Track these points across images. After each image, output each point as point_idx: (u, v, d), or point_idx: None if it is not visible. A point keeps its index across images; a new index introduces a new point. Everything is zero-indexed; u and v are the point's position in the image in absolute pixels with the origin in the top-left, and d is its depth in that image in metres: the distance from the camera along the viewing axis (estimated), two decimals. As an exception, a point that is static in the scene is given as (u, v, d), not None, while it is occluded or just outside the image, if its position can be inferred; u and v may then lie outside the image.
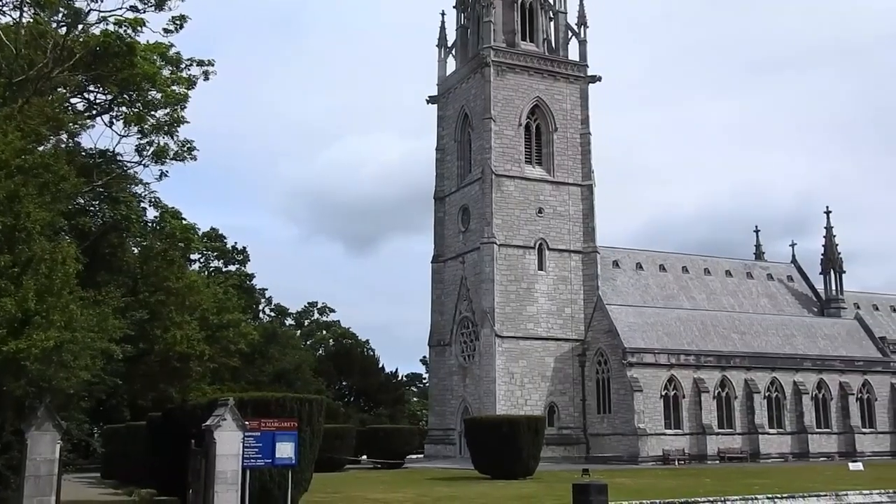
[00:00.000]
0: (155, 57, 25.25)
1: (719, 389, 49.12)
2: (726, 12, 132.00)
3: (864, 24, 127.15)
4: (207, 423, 16.72)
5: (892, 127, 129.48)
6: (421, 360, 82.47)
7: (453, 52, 56.54)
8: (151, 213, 31.98)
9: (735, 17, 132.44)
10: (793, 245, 63.76)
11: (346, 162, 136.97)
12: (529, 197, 50.59)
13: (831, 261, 59.78)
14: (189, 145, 26.01)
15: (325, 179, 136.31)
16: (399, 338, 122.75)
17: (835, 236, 60.53)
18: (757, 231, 64.47)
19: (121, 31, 23.51)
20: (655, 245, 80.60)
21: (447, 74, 56.11)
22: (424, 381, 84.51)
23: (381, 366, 77.40)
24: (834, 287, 59.66)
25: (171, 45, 25.50)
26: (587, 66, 53.59)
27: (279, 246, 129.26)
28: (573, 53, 54.06)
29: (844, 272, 60.05)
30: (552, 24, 55.02)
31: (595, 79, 53.58)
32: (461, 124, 53.68)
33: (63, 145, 24.25)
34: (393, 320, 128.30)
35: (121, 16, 23.76)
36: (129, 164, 26.45)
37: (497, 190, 49.56)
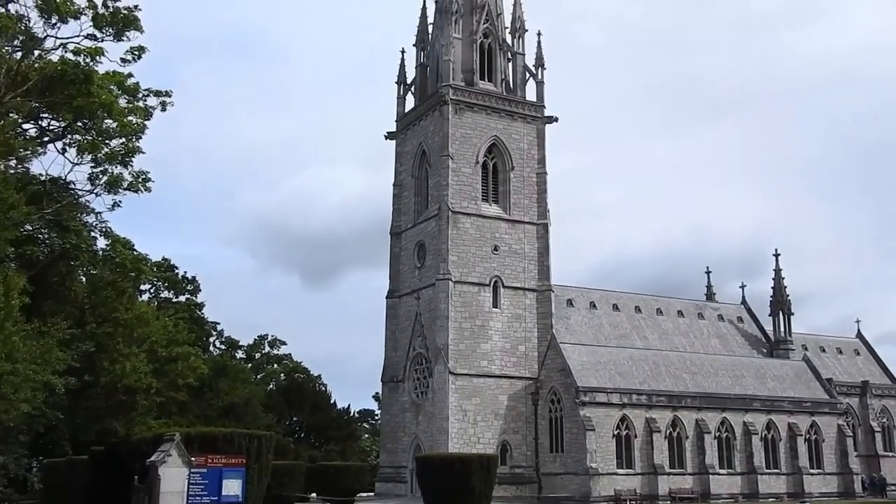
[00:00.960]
0: (112, 86, 25.04)
1: (671, 429, 49.38)
2: (675, 54, 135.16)
3: (805, 67, 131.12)
4: (152, 458, 16.33)
5: (838, 170, 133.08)
6: (373, 397, 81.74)
7: (412, 89, 56.89)
8: (102, 242, 31.47)
9: (683, 57, 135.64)
10: (742, 287, 64.88)
11: (307, 194, 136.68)
12: (485, 234, 50.77)
13: (780, 302, 60.84)
14: (144, 176, 25.72)
15: (284, 211, 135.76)
16: (352, 373, 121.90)
17: (783, 278, 61.69)
18: (708, 272, 65.55)
19: (79, 59, 23.31)
20: (610, 284, 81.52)
21: (406, 111, 56.40)
22: (376, 418, 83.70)
23: (332, 401, 76.58)
24: (782, 328, 60.65)
25: (130, 75, 25.28)
26: (544, 106, 54.27)
27: (235, 277, 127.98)
28: (531, 94, 54.75)
29: (793, 314, 61.14)
30: (510, 64, 55.71)
31: (552, 119, 54.25)
32: (419, 161, 53.85)
33: (12, 171, 23.79)
34: (346, 355, 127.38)
35: (78, 43, 23.55)
36: (80, 193, 26.04)
37: (453, 227, 49.66)
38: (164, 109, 25.60)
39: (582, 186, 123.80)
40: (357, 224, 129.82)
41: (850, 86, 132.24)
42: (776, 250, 62.41)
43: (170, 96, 25.39)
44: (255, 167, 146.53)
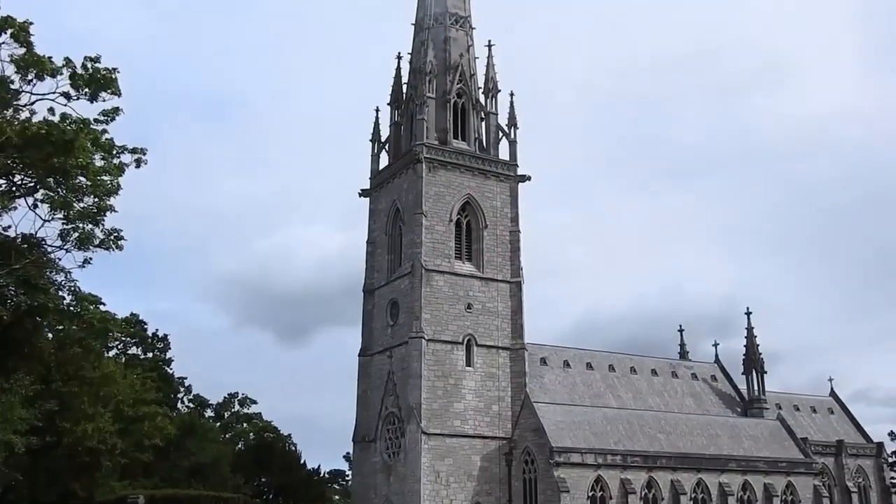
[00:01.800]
0: (87, 143, 24.86)
1: (646, 491, 48.87)
2: (647, 117, 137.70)
3: (774, 132, 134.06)
4: (118, 526, 15.74)
5: (806, 232, 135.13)
6: (344, 457, 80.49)
7: (387, 147, 57.23)
8: (70, 299, 30.85)
9: (655, 120, 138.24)
10: (716, 345, 65.08)
11: (282, 251, 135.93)
12: (459, 292, 50.63)
13: (753, 361, 61.02)
14: (116, 234, 25.34)
15: (259, 268, 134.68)
16: (323, 432, 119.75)
17: (756, 337, 61.94)
18: (681, 330, 65.73)
19: (65, 125, 23.19)
20: (584, 342, 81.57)
21: (380, 169, 56.62)
22: (347, 479, 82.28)
23: (302, 461, 75.10)
24: (756, 387, 60.71)
25: (104, 132, 25.11)
26: (517, 165, 54.75)
27: (207, 334, 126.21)
28: (504, 153, 55.23)
29: (766, 372, 61.28)
30: (483, 124, 56.26)
31: (525, 178, 54.69)
32: (392, 218, 53.89)
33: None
34: (318, 414, 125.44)
35: (53, 98, 23.44)
36: (50, 249, 25.61)
37: (427, 285, 49.50)
38: (138, 166, 25.43)
39: (556, 245, 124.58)
40: (332, 282, 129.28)
41: (816, 150, 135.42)
42: (748, 309, 62.90)
43: (144, 153, 25.24)
44: (230, 224, 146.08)
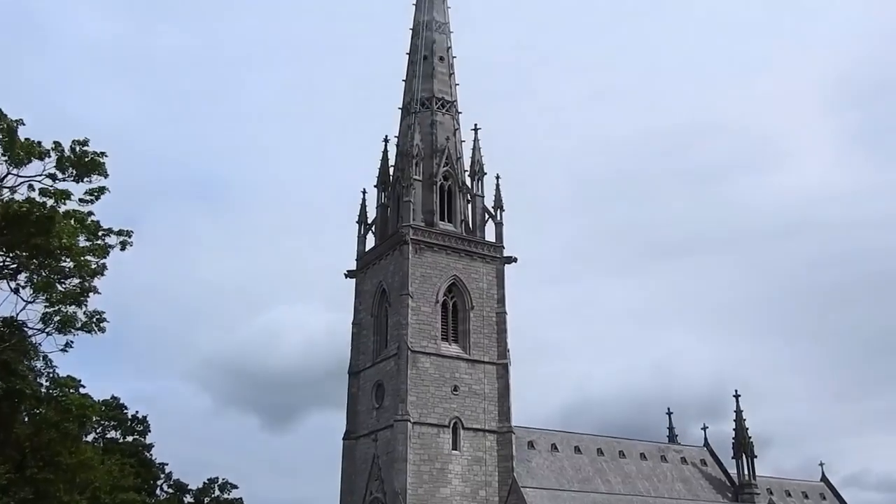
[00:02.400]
0: (72, 223, 24.79)
1: (636, 579, 47.64)
2: (632, 199, 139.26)
3: (759, 214, 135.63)
4: None
5: (793, 314, 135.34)
6: (327, 544, 78.03)
7: (373, 228, 57.45)
8: (48, 381, 30.27)
9: (641, 202, 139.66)
10: (705, 428, 64.27)
11: (267, 333, 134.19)
12: (445, 374, 50.16)
13: (743, 445, 60.23)
14: (98, 316, 25.05)
15: (244, 350, 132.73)
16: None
17: (745, 420, 61.27)
18: (669, 413, 64.97)
19: (46, 200, 23.17)
20: (572, 425, 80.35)
21: (366, 250, 56.71)
22: (330, 567, 79.72)
23: (284, 550, 72.95)
24: (746, 472, 59.79)
25: (90, 213, 25.09)
26: (503, 247, 55.00)
27: (190, 416, 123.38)
28: (490, 234, 55.58)
29: (756, 456, 60.41)
30: (470, 206, 56.71)
31: (511, 259, 54.87)
32: (378, 300, 53.75)
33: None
34: (301, 498, 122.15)
35: (40, 181, 23.47)
36: (31, 332, 25.24)
37: (412, 366, 49.05)
38: (123, 248, 25.34)
39: (543, 326, 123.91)
40: (317, 364, 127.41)
41: (799, 231, 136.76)
42: (736, 391, 62.40)
43: (130, 236, 25.20)
44: (215, 306, 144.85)
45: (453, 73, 59.46)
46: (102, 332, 25.45)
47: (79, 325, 24.81)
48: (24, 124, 23.73)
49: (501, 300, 53.65)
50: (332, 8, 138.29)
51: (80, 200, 24.41)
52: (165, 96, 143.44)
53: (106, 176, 23.62)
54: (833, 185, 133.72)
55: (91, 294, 25.70)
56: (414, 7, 60.83)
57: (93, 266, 24.90)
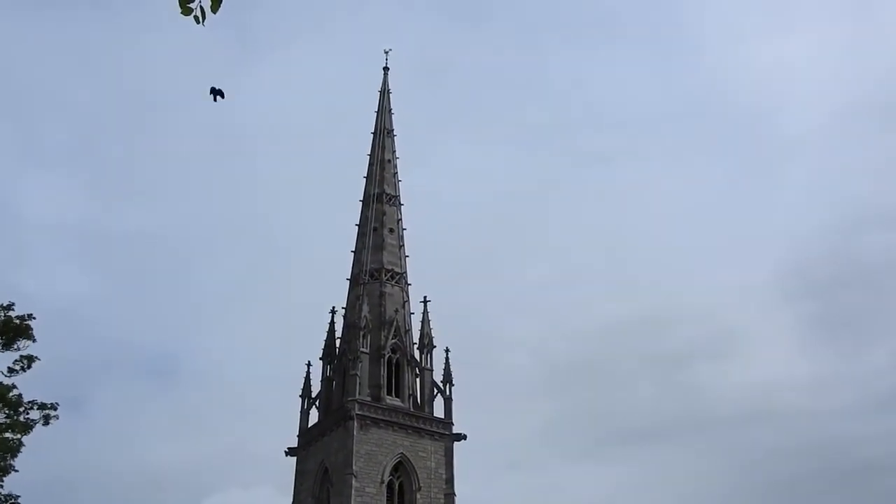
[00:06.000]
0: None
1: None
2: (595, 383, 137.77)
3: (721, 401, 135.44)
4: None
5: (759, 500, 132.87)
6: None
7: (317, 403, 55.02)
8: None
9: (603, 387, 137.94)
10: None
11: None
12: (390, 563, 46.69)
13: None
14: (13, 500, 22.44)
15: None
16: None
17: None
18: None
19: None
20: None
21: (309, 426, 54.03)
22: None
23: None
24: None
25: (13, 386, 22.98)
26: (452, 423, 52.92)
27: None
28: (438, 410, 53.60)
29: None
30: (418, 380, 54.99)
31: (460, 436, 52.65)
32: (320, 479, 50.67)
33: None
34: None
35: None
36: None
37: (356, 554, 45.57)
38: (46, 423, 23.12)
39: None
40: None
41: (764, 420, 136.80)
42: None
43: (55, 409, 23.05)
44: (163, 488, 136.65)
45: (403, 244, 59.22)
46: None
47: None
48: None
49: (450, 480, 51.01)
50: (290, 186, 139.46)
51: (9, 370, 22.49)
52: (121, 275, 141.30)
53: (33, 340, 21.83)
54: (792, 374, 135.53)
55: (8, 474, 23.17)
56: (364, 180, 61.26)
57: (10, 443, 22.54)
